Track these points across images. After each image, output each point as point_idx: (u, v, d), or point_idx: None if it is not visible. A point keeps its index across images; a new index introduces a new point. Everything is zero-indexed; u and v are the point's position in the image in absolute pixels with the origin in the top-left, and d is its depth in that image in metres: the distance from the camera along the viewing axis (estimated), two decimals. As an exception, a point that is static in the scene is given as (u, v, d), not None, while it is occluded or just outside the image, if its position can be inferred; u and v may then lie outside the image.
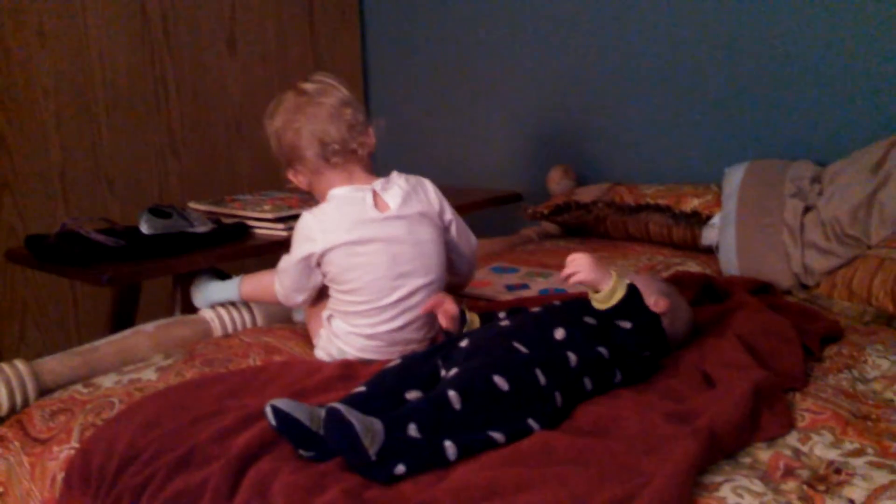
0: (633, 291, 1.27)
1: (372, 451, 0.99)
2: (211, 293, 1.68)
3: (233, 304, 1.68)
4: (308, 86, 1.49)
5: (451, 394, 1.07)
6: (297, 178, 1.52)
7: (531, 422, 1.10)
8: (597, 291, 1.27)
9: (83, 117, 2.41)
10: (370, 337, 1.43)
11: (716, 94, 2.35)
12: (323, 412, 1.04)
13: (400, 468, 1.00)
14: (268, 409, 1.06)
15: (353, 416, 0.98)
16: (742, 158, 2.13)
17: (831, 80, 2.12)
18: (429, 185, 1.51)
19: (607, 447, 1.04)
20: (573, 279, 1.27)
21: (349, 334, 1.44)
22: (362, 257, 1.41)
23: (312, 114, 1.44)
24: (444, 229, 1.51)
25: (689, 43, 2.38)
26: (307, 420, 1.05)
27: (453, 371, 1.16)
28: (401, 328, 1.44)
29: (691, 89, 2.40)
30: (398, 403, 1.12)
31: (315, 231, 1.42)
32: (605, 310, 1.27)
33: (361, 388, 1.16)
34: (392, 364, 1.23)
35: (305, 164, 1.47)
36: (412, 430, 1.02)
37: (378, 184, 1.46)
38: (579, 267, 1.26)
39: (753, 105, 2.28)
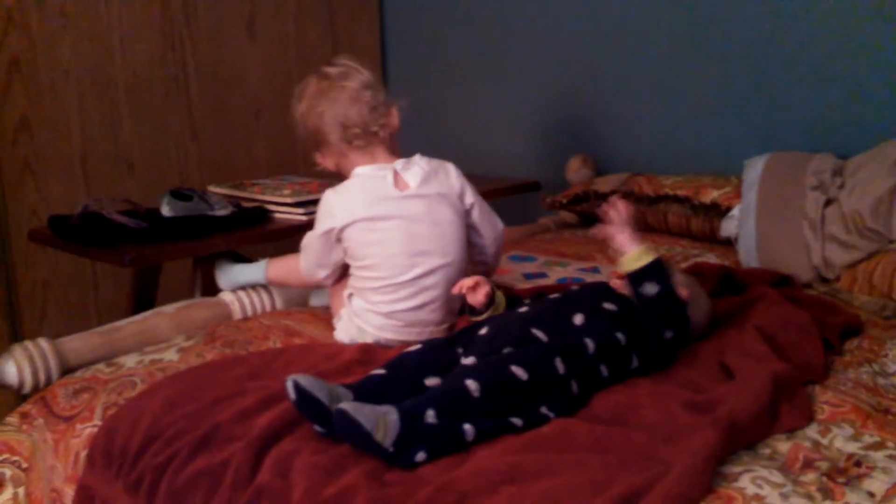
0: (661, 261, 1.26)
1: (387, 443, 0.99)
2: (237, 275, 1.70)
3: (253, 287, 1.70)
4: (330, 70, 1.50)
5: (470, 383, 1.07)
6: (325, 161, 1.55)
7: (544, 409, 1.10)
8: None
9: (104, 100, 2.42)
10: (388, 315, 1.45)
11: (737, 85, 2.33)
12: (341, 392, 1.05)
13: (420, 455, 1.00)
14: (288, 384, 1.07)
15: (361, 415, 0.99)
16: (763, 150, 2.11)
17: (854, 72, 2.10)
18: (451, 168, 1.53)
19: (626, 435, 1.04)
20: (608, 229, 1.26)
21: (367, 312, 1.46)
22: (379, 233, 1.43)
23: (334, 98, 1.47)
24: (466, 212, 1.52)
25: (711, 33, 2.36)
26: (326, 399, 1.06)
27: (471, 359, 1.16)
28: (418, 308, 1.45)
29: (713, 80, 2.38)
30: (417, 389, 1.13)
31: (335, 207, 1.45)
32: (632, 272, 1.25)
33: (381, 371, 1.17)
34: (412, 349, 1.24)
35: (330, 147, 1.50)
36: (430, 416, 1.03)
37: (399, 163, 1.48)
38: (618, 215, 1.26)
39: (775, 97, 2.26)
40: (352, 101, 1.46)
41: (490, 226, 1.58)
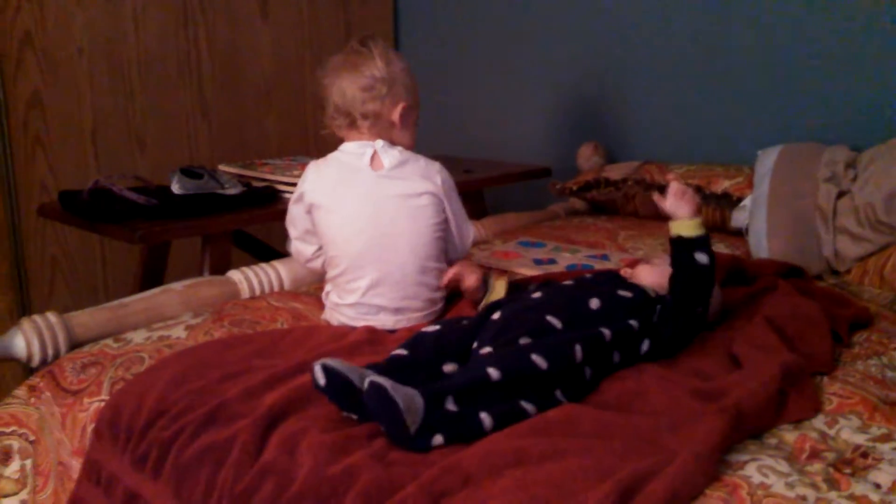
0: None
1: (412, 427, 0.99)
2: None
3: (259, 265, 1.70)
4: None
5: (492, 371, 1.06)
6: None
7: (558, 393, 1.10)
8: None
9: (116, 77, 2.42)
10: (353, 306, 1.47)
11: (751, 75, 2.31)
12: (369, 376, 1.04)
13: (438, 438, 1.00)
14: (317, 368, 1.05)
15: (399, 395, 0.98)
16: (776, 141, 2.10)
17: (869, 65, 2.09)
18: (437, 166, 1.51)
19: (632, 422, 1.04)
20: (676, 192, 1.26)
21: (341, 306, 1.48)
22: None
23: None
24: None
25: (725, 23, 2.34)
26: (357, 381, 1.04)
27: (487, 349, 1.15)
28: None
29: (726, 70, 2.36)
30: (435, 375, 1.13)
31: (308, 174, 1.53)
32: (689, 236, 1.25)
33: (403, 352, 1.16)
34: (429, 330, 1.22)
35: None
36: (450, 403, 1.02)
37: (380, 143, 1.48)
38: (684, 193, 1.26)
39: (789, 88, 2.25)
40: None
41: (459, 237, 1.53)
